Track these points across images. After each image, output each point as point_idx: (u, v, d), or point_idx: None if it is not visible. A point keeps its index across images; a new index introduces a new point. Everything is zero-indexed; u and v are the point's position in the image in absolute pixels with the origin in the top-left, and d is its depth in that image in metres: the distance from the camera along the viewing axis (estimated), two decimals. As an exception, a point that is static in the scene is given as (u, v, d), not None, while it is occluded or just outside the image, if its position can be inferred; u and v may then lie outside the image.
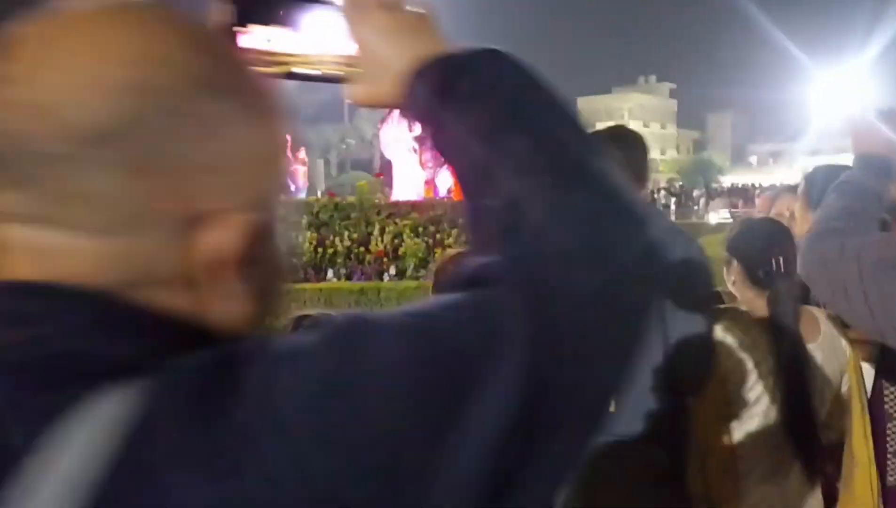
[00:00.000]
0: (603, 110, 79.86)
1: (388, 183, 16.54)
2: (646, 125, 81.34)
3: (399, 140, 14.88)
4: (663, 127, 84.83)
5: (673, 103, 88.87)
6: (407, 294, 9.01)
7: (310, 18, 0.66)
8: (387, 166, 17.77)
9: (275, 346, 0.44)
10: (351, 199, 13.28)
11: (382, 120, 15.37)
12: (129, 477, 0.39)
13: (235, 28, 0.62)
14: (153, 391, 0.41)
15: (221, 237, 0.46)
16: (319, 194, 25.27)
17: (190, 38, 0.48)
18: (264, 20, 0.64)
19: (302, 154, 23.39)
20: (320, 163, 37.64)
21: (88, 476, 0.39)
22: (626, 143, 1.97)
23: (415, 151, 14.53)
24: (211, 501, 0.39)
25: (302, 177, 23.19)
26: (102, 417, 0.40)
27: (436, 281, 2.11)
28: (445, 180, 14.89)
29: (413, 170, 14.90)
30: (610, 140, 1.94)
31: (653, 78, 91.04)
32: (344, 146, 42.93)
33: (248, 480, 0.39)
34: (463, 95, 0.54)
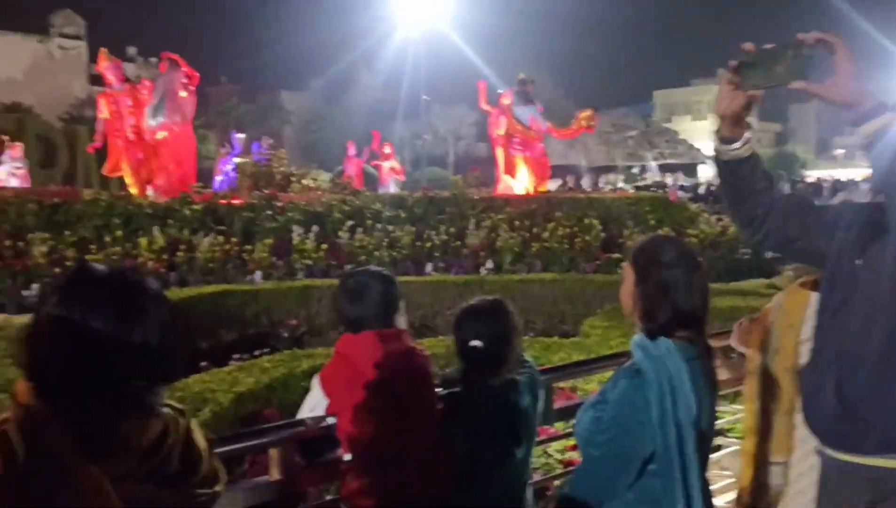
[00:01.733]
0: (681, 104, 78.10)
1: (490, 178, 16.77)
2: (724, 118, 79.10)
3: (508, 137, 14.84)
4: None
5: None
6: (510, 288, 9.08)
7: None
8: (483, 162, 17.79)
9: None
10: (445, 193, 13.41)
11: (491, 118, 15.28)
12: None
13: None
14: None
15: None
16: (398, 189, 25.59)
17: None
18: None
19: (387, 150, 23.71)
20: (398, 159, 37.89)
21: None
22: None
23: (519, 147, 14.49)
24: None
25: (386, 173, 23.50)
26: None
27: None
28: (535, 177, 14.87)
29: (520, 166, 14.83)
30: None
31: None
32: (419, 142, 43.08)
33: None
34: None
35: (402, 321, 2.34)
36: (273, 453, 2.26)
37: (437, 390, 2.37)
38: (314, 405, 2.28)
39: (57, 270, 8.91)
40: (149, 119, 12.39)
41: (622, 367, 2.22)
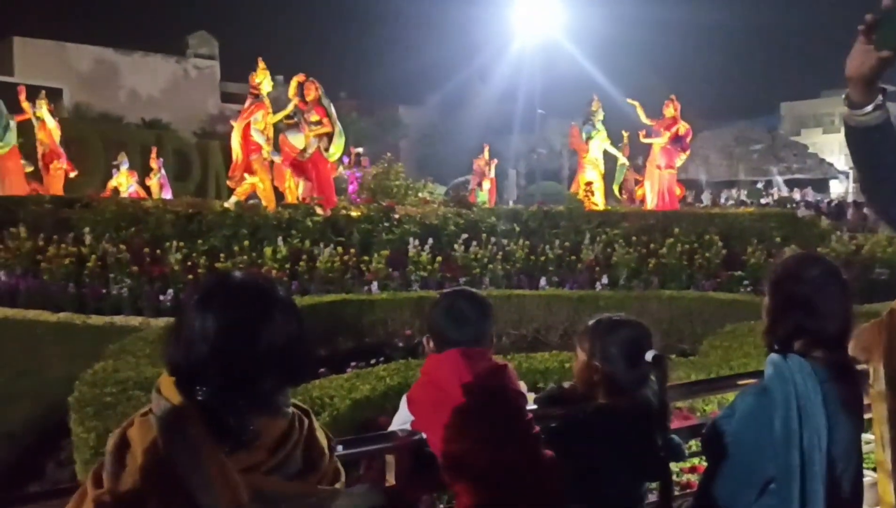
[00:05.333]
0: (810, 116, 74.36)
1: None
2: (858, 131, 74.75)
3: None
4: (879, 133, 77.49)
5: (891, 106, 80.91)
6: (626, 304, 8.90)
7: None
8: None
9: None
10: (560, 208, 13.31)
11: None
12: None
13: None
14: None
15: None
16: (511, 203, 25.54)
17: None
18: None
19: (491, 170, 23.60)
20: (512, 173, 37.96)
21: None
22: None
23: (669, 166, 14.21)
24: None
25: (486, 191, 23.29)
26: None
27: None
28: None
29: (661, 181, 14.54)
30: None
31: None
32: (535, 156, 42.92)
33: None
34: None
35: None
36: (390, 458, 2.31)
37: (531, 406, 2.35)
38: (402, 422, 2.31)
39: (190, 276, 9.44)
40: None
41: (753, 384, 2.16)
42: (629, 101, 15.32)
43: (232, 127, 12.58)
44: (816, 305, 2.07)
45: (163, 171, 20.53)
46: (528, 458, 2.15)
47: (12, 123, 15.25)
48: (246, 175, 12.13)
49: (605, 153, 15.40)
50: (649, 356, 2.23)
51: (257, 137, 12.04)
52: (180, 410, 1.37)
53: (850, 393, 2.10)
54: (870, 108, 1.79)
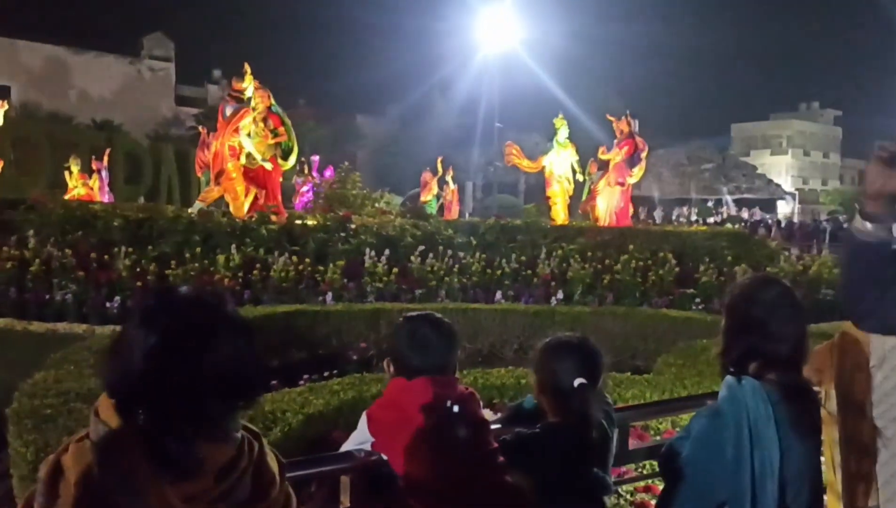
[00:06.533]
0: (759, 138, 76.30)
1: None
2: (806, 154, 76.92)
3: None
4: (826, 156, 79.87)
5: (837, 131, 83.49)
6: (581, 319, 8.94)
7: None
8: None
9: None
10: (517, 221, 13.35)
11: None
12: None
13: None
14: None
15: None
16: (468, 215, 25.63)
17: None
18: None
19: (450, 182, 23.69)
20: (469, 185, 38.10)
21: None
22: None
23: (619, 183, 14.29)
24: None
25: (450, 198, 23.50)
26: None
27: None
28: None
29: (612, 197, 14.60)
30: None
31: (815, 104, 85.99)
32: (492, 169, 43.22)
33: None
34: None
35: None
36: (345, 479, 2.24)
37: (494, 427, 2.32)
38: (361, 440, 2.26)
39: (139, 283, 9.20)
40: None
41: (708, 405, 2.18)
42: (609, 117, 15.41)
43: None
44: (771, 327, 2.09)
45: (104, 172, 19.86)
46: (492, 485, 2.12)
47: None
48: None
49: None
50: (576, 382, 2.22)
51: (246, 143, 11.96)
52: (118, 435, 1.28)
53: (804, 415, 2.11)
54: (882, 228, 1.84)
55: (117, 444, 1.28)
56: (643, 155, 14.47)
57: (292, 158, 13.04)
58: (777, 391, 2.05)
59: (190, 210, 11.91)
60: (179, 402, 1.33)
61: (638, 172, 14.44)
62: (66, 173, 18.86)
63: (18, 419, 3.97)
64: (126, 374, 1.33)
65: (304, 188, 18.71)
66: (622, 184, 14.28)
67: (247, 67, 12.10)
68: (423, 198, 23.68)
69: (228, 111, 11.81)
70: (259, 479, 1.44)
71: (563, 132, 15.22)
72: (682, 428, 2.58)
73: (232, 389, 1.40)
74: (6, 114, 16.04)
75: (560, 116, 15.44)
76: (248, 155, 12.16)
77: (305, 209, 15.77)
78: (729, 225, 26.92)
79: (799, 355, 2.13)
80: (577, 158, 15.43)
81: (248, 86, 12.08)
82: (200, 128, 15.45)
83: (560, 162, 15.26)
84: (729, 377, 2.11)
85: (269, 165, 12.30)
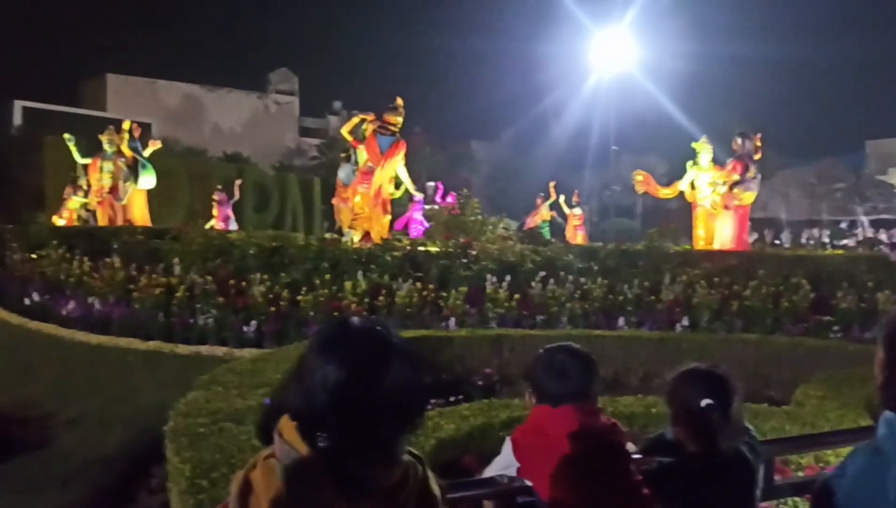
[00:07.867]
0: (898, 154, 71.61)
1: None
2: (951, 170, 71.52)
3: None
4: (974, 172, 74.03)
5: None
6: (709, 347, 8.67)
7: None
8: (672, 214, 17.22)
9: None
10: (639, 246, 13.12)
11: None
12: None
13: None
14: None
15: None
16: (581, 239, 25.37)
17: None
18: None
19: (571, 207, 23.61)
20: (586, 209, 37.71)
21: None
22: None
23: (728, 208, 13.88)
24: None
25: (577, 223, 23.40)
26: None
27: None
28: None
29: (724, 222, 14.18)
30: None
31: (960, 116, 79.88)
32: (608, 193, 42.62)
33: None
34: None
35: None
36: (488, 505, 2.30)
37: (636, 458, 2.33)
38: (505, 465, 2.31)
39: (273, 308, 9.65)
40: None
41: (866, 442, 2.09)
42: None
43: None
44: None
45: (225, 204, 21.09)
46: None
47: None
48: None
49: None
50: (703, 403, 2.20)
51: (402, 174, 12.75)
52: (308, 461, 1.40)
53: None
54: None
55: (307, 469, 1.40)
56: (749, 176, 13.87)
57: (402, 187, 13.78)
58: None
59: (344, 239, 12.60)
60: (359, 427, 1.43)
61: (742, 193, 13.86)
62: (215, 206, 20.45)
63: (175, 437, 4.25)
64: (309, 400, 1.45)
65: (417, 214, 18.70)
66: (728, 207, 13.81)
67: (399, 101, 12.59)
68: (528, 223, 23.60)
69: (384, 144, 12.36)
70: (424, 502, 1.52)
71: (704, 156, 14.72)
72: (836, 466, 2.49)
73: (403, 413, 1.49)
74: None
75: (703, 139, 14.94)
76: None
77: (427, 237, 16.04)
78: (860, 249, 25.34)
79: None
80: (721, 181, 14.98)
81: (401, 120, 12.59)
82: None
83: (701, 186, 14.82)
84: (889, 414, 2.02)
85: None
